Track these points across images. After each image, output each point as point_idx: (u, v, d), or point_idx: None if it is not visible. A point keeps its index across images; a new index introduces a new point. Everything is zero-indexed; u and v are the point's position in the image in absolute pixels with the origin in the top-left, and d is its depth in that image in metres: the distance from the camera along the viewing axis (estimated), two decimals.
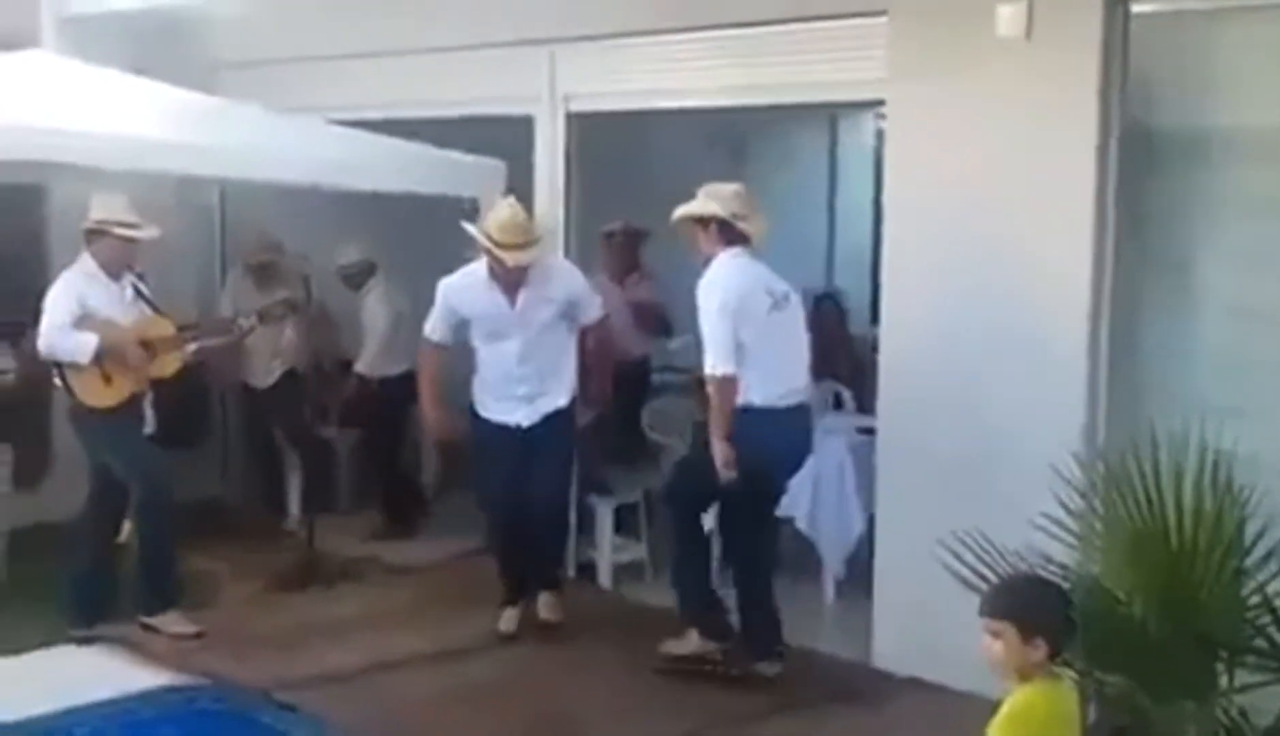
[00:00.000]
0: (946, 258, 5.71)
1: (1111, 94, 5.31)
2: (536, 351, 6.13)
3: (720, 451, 5.50)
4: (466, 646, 6.10)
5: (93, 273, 6.24)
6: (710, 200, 5.69)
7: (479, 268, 6.12)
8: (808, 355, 5.85)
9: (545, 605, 6.37)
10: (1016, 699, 3.44)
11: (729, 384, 5.51)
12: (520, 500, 6.15)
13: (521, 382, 6.15)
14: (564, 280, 6.27)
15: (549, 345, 6.17)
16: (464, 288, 6.18)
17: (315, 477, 8.03)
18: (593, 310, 6.33)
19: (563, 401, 6.21)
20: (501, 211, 6.08)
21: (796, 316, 5.79)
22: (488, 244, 5.96)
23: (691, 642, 5.88)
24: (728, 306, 5.52)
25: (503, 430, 6.17)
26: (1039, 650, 3.42)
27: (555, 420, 6.19)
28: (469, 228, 6.12)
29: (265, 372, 8.24)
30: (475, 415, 6.27)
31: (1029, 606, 3.49)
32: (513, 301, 6.08)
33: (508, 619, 6.30)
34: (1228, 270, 5.28)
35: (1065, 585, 3.85)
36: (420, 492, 8.53)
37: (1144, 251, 5.41)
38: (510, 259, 5.95)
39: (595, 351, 6.43)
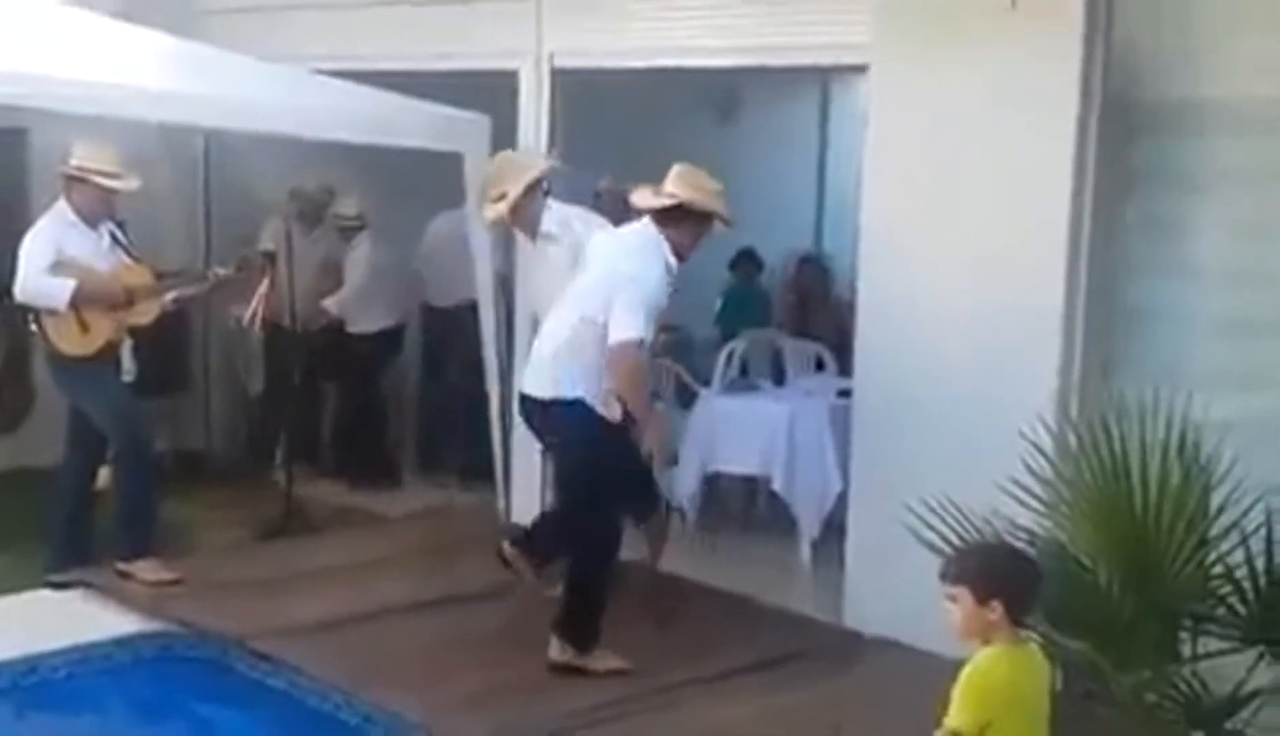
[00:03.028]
0: (924, 224, 5.70)
1: (1094, 62, 5.29)
2: None
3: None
4: (449, 596, 6.07)
5: (70, 219, 6.20)
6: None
7: (649, 237, 5.23)
8: None
9: None
10: (979, 659, 3.48)
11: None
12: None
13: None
14: None
15: None
16: (663, 266, 5.16)
17: (300, 428, 8.04)
18: None
19: None
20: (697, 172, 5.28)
21: None
22: (716, 209, 5.22)
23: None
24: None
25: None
26: (994, 612, 3.45)
27: None
28: (672, 193, 5.23)
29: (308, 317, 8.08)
30: (605, 423, 5.26)
31: (983, 569, 3.53)
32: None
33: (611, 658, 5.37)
34: (1208, 238, 5.28)
35: (1029, 550, 3.88)
36: (392, 449, 8.56)
37: (1122, 219, 5.42)
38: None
39: None
